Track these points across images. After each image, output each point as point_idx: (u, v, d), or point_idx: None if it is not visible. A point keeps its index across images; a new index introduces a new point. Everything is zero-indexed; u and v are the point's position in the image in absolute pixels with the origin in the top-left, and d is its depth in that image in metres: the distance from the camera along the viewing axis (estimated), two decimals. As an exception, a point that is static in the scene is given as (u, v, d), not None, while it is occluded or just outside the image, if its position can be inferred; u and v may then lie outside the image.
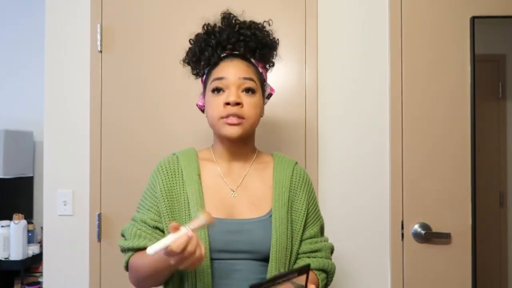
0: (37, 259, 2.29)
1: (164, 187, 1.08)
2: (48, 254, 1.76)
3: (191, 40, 1.15)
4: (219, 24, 1.13)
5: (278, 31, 1.14)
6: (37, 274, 2.35)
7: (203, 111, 1.18)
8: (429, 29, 1.71)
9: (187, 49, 1.15)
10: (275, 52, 1.17)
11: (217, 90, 1.07)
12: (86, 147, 1.75)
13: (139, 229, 1.06)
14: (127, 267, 1.08)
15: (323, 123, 1.73)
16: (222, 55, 1.10)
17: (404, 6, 1.71)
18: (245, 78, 1.07)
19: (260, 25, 1.13)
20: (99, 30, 1.75)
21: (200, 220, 0.87)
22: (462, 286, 1.66)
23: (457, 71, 1.70)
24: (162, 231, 1.07)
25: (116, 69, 1.76)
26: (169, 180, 1.09)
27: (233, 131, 1.05)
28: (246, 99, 1.06)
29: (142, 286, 1.08)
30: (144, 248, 0.95)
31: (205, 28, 1.13)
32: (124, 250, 1.08)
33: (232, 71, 1.07)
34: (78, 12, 1.78)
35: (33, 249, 2.30)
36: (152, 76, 1.75)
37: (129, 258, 1.06)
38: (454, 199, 1.68)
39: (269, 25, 1.16)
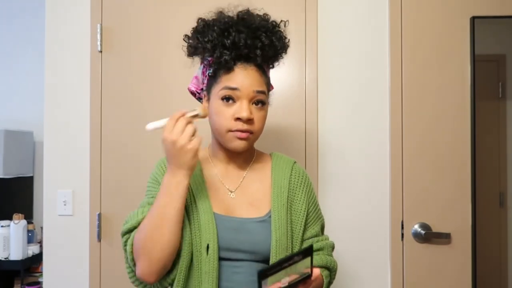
0: (37, 259, 2.30)
1: None
2: (48, 254, 1.76)
3: (200, 22, 1.06)
4: (231, 18, 1.04)
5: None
6: (37, 274, 2.35)
7: (194, 95, 1.14)
8: (429, 29, 1.71)
9: (193, 28, 1.07)
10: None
11: (227, 99, 1.01)
12: (86, 147, 1.75)
13: (146, 209, 1.01)
14: (130, 251, 0.99)
15: (323, 123, 1.73)
16: (236, 59, 1.02)
17: (404, 6, 1.71)
18: (259, 92, 1.02)
19: (277, 29, 1.05)
20: (99, 30, 1.75)
21: (196, 110, 0.96)
22: (462, 286, 1.66)
23: (457, 71, 1.70)
24: None
25: (116, 69, 1.76)
26: None
27: (241, 146, 1.03)
28: (256, 113, 1.03)
29: (150, 255, 0.95)
30: None
31: (221, 22, 1.02)
32: (129, 231, 1.01)
33: (246, 83, 1.01)
34: (78, 12, 1.78)
35: (33, 249, 2.30)
36: (152, 76, 1.75)
37: (134, 236, 0.99)
38: (454, 199, 1.68)
39: (285, 26, 1.08)
